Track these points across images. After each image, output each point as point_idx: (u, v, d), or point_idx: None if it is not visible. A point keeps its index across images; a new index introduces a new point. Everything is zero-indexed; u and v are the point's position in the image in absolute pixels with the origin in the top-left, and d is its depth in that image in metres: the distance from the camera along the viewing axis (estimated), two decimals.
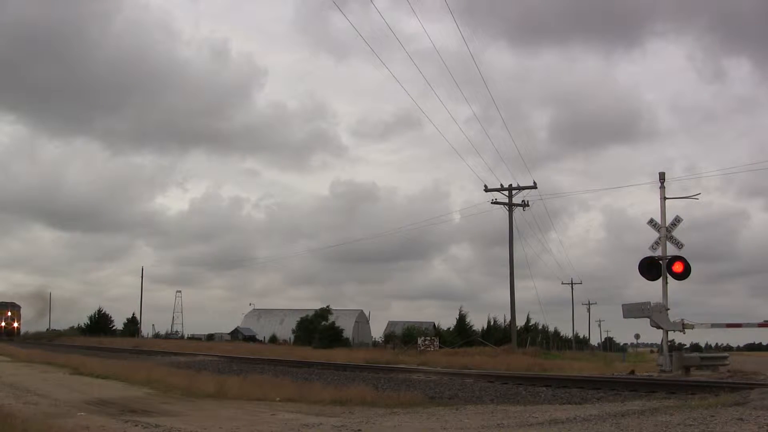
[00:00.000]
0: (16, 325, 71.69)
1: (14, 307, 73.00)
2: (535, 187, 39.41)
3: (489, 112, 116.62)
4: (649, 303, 19.92)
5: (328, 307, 63.42)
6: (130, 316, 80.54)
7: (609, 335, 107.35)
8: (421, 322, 68.23)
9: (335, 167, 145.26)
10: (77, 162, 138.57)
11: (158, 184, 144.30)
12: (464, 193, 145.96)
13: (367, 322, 78.28)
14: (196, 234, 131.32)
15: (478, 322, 70.23)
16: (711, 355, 22.24)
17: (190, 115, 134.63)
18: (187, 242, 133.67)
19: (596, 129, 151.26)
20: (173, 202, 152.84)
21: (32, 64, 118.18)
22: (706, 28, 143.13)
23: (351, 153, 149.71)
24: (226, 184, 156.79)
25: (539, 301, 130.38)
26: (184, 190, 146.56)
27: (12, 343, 50.08)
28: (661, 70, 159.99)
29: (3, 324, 69.84)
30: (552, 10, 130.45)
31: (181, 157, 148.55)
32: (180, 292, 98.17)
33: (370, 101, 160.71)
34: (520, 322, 55.16)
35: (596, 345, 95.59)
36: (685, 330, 20.24)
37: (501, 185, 39.29)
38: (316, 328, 57.61)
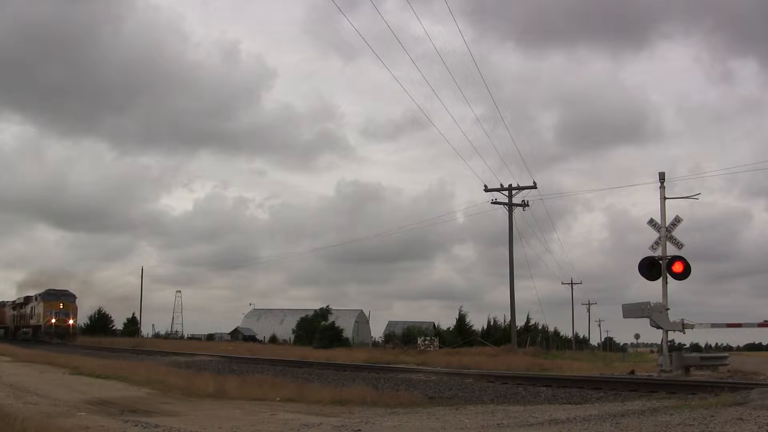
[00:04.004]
0: (71, 322, 53.08)
1: (68, 298, 54.05)
2: (534, 187, 39.43)
3: (496, 113, 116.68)
4: (649, 303, 19.91)
5: (327, 306, 63.47)
6: (130, 316, 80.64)
7: (609, 335, 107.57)
8: (421, 322, 68.15)
9: (342, 167, 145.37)
10: (84, 162, 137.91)
11: (164, 185, 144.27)
12: (469, 194, 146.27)
13: (367, 322, 78.33)
14: (199, 234, 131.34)
15: (478, 322, 70.22)
16: (711, 355, 22.26)
17: (199, 116, 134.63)
18: (190, 242, 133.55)
19: (603, 130, 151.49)
20: (179, 202, 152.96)
21: (41, 64, 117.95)
22: (712, 29, 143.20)
23: (358, 153, 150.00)
24: (233, 184, 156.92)
25: (539, 301, 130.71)
26: (191, 190, 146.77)
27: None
28: (667, 72, 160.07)
29: (53, 320, 51.63)
30: (559, 11, 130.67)
31: (189, 158, 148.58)
32: (180, 292, 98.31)
33: (377, 102, 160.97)
34: (520, 322, 55.19)
35: (596, 345, 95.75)
36: (685, 330, 20.21)
37: (501, 185, 39.27)
38: (316, 328, 57.58)
